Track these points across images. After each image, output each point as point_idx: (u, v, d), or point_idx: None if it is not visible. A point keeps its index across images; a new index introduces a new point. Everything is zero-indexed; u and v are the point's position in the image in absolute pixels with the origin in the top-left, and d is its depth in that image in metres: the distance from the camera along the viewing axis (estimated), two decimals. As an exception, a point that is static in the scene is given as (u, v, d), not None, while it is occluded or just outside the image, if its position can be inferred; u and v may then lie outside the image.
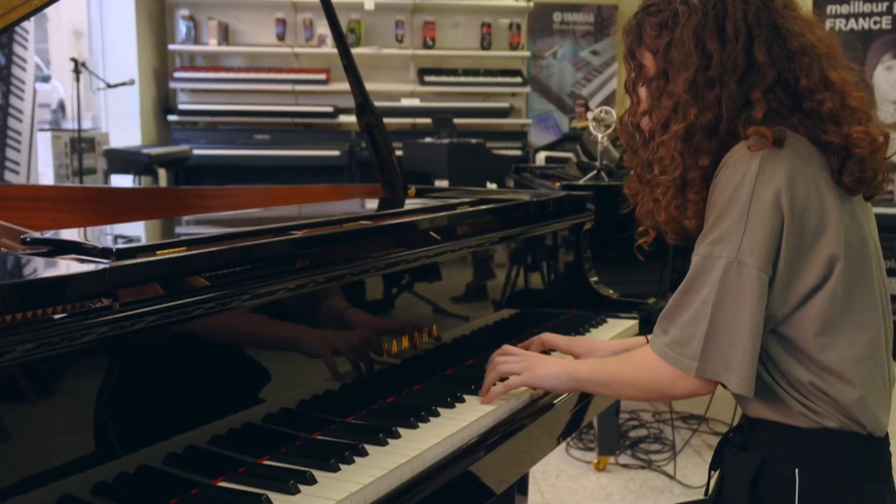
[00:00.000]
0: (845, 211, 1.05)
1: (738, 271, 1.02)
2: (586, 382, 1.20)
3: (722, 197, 1.04)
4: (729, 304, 1.02)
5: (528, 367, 1.22)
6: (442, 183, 4.35)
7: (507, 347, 1.31)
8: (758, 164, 1.02)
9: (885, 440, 1.09)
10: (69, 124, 5.12)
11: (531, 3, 5.99)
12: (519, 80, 6.06)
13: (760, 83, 1.05)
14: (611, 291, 1.80)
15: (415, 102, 5.92)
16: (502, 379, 1.23)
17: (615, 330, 1.65)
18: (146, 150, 4.84)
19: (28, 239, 1.03)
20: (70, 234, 1.08)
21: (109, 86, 4.79)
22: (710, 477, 1.22)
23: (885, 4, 4.56)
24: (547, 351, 1.39)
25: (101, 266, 0.88)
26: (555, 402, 1.29)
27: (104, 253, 0.94)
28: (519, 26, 6.10)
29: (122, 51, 5.46)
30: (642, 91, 1.14)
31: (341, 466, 0.98)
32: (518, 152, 5.80)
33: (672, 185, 1.10)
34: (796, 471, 1.05)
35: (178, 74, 5.77)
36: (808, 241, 1.03)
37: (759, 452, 1.09)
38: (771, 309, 1.04)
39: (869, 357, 1.05)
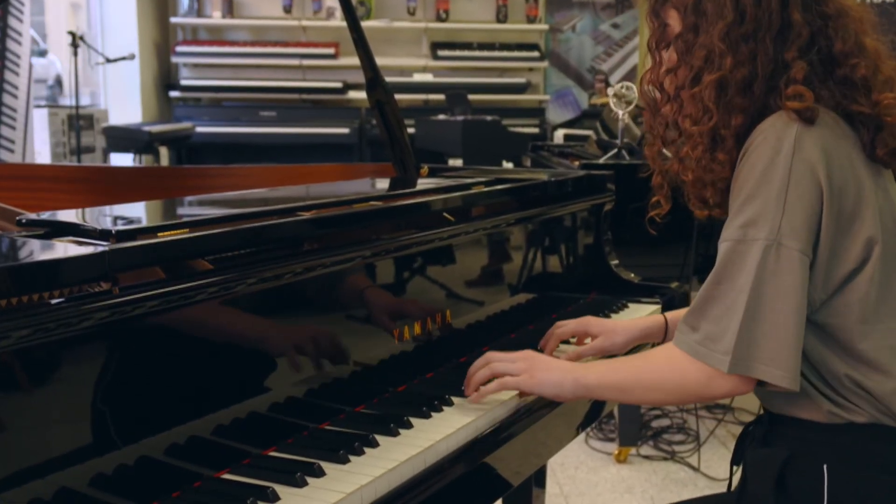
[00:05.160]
0: (880, 189, 1.03)
1: (777, 254, 0.97)
2: (596, 388, 1.11)
3: (752, 175, 0.99)
4: (768, 291, 0.97)
5: (526, 369, 1.12)
6: (456, 162, 4.32)
7: (499, 354, 1.16)
8: (792, 140, 0.98)
9: None
10: (66, 100, 5.09)
11: (548, -25, 5.91)
12: (536, 54, 5.97)
13: (796, 42, 1.04)
14: (632, 275, 1.77)
15: (427, 78, 5.85)
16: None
17: (636, 315, 1.62)
18: (147, 128, 4.81)
19: (24, 220, 1.01)
20: (67, 216, 1.07)
21: (109, 60, 4.75)
22: (731, 472, 1.19)
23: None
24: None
25: (100, 248, 0.86)
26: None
27: (103, 235, 0.92)
28: (537, -2, 5.99)
29: (121, 24, 5.41)
30: (665, 52, 1.13)
31: (351, 458, 0.97)
32: (535, 130, 5.74)
33: (702, 140, 1.06)
34: (824, 467, 1.02)
35: (180, 48, 5.71)
36: (845, 223, 1.00)
37: (782, 447, 1.06)
38: (809, 295, 1.00)
39: None
